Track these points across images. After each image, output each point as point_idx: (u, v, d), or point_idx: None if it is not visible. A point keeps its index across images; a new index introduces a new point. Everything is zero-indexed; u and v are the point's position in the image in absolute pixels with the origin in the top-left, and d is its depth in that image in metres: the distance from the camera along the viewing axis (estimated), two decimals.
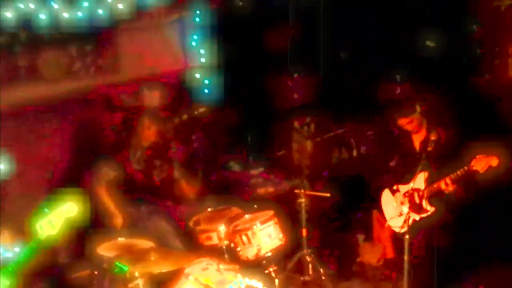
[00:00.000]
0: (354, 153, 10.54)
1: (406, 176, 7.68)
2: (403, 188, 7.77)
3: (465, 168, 7.22)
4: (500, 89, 9.94)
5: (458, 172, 7.28)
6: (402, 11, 10.14)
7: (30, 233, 5.96)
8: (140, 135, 8.11)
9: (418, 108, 7.82)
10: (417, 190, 7.68)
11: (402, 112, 7.86)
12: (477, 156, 7.15)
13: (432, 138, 7.42)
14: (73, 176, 8.91)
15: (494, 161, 7.07)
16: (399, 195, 7.85)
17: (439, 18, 10.00)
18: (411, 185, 7.60)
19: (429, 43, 10.14)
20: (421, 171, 7.43)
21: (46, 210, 5.96)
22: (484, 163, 7.09)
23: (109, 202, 7.94)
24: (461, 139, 7.64)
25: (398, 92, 10.43)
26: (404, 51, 10.17)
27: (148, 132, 8.10)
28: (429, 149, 7.37)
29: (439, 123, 7.84)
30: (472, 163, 7.15)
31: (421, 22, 10.06)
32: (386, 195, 8.15)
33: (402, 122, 7.86)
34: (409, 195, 7.68)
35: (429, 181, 7.59)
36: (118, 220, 7.90)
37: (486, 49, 10.14)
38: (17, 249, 7.42)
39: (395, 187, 7.86)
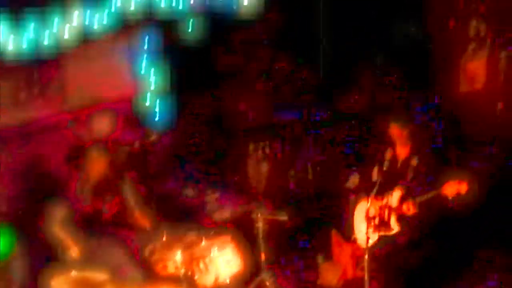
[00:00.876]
0: (310, 174, 10.54)
1: (381, 191, 7.65)
2: (377, 203, 7.74)
3: (435, 192, 7.25)
4: (454, 104, 10.02)
5: (427, 196, 7.29)
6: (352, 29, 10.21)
7: None
8: (88, 169, 7.92)
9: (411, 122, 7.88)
10: (389, 207, 7.67)
11: (398, 120, 7.85)
12: (449, 181, 7.19)
13: (412, 163, 7.66)
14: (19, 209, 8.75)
15: (463, 188, 7.13)
16: (371, 210, 7.81)
17: (390, 34, 10.08)
18: (383, 201, 7.67)
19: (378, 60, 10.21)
20: (395, 189, 7.58)
21: None
22: (454, 188, 7.14)
23: (63, 237, 7.70)
24: (436, 163, 7.69)
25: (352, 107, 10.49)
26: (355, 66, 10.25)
27: (97, 165, 7.91)
28: (409, 172, 7.59)
29: (421, 146, 7.87)
30: (443, 187, 7.17)
31: (371, 37, 10.13)
32: (359, 208, 8.10)
33: (394, 130, 7.84)
34: (380, 211, 7.69)
35: (402, 200, 7.59)
36: (74, 251, 7.69)
37: (439, 67, 10.21)
38: None
39: (370, 201, 7.80)
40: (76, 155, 8.39)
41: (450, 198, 7.18)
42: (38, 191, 8.72)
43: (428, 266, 7.80)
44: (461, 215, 7.97)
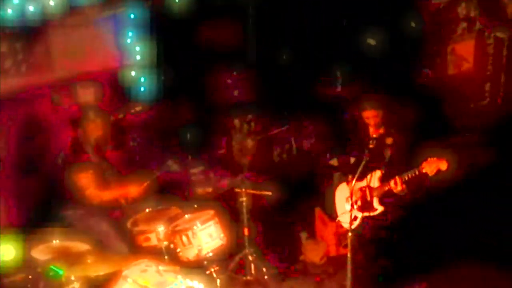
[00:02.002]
0: (294, 150, 10.53)
1: (362, 172, 7.64)
2: (358, 184, 7.73)
3: (416, 170, 7.25)
4: (441, 86, 10.03)
5: (408, 174, 7.31)
6: (344, 8, 10.14)
7: None
8: (86, 130, 7.89)
9: (384, 105, 7.83)
10: (370, 187, 7.68)
11: (370, 104, 7.83)
12: (428, 159, 7.19)
13: (388, 142, 7.64)
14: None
15: (443, 165, 7.14)
16: (353, 191, 7.80)
17: (380, 16, 10.03)
18: (364, 182, 7.68)
19: (370, 41, 10.17)
20: (375, 169, 7.61)
21: None
22: (434, 166, 7.16)
23: (116, 191, 7.77)
24: (413, 142, 7.68)
25: (338, 90, 10.50)
26: (346, 49, 10.20)
27: (93, 126, 7.87)
28: (386, 152, 7.61)
29: (394, 126, 7.86)
30: (423, 166, 7.19)
31: (362, 20, 10.08)
32: (341, 189, 8.11)
33: (368, 114, 7.85)
34: (362, 192, 7.70)
35: (383, 180, 7.59)
36: (134, 191, 7.79)
37: (426, 47, 10.21)
38: None
39: (352, 182, 7.78)
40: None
41: (430, 175, 7.20)
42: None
43: (410, 245, 7.83)
44: (442, 192, 8.03)
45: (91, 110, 7.94)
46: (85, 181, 7.62)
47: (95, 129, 7.83)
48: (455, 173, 7.33)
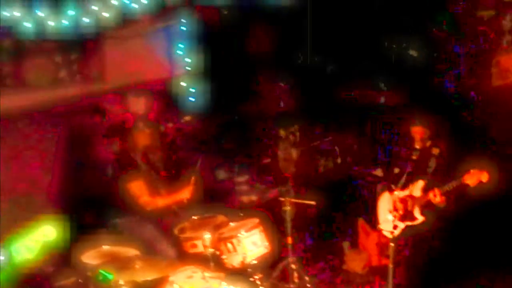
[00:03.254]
0: (339, 160, 10.58)
1: (405, 182, 7.75)
2: (401, 193, 7.84)
3: (457, 181, 7.32)
4: (485, 98, 10.04)
5: (449, 185, 7.39)
6: (385, 20, 10.21)
7: (6, 255, 5.94)
8: (135, 139, 8.14)
9: (430, 121, 7.96)
10: (413, 197, 7.76)
11: (421, 122, 7.99)
12: (470, 171, 7.28)
13: (434, 152, 7.85)
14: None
15: (485, 177, 7.23)
16: (396, 200, 7.90)
17: (423, 29, 10.08)
18: (407, 192, 7.81)
19: (412, 53, 10.21)
20: (418, 180, 7.76)
21: (22, 233, 5.90)
22: (475, 177, 7.26)
23: (169, 198, 8.06)
24: (457, 153, 7.77)
25: (383, 101, 10.53)
26: (389, 60, 10.26)
27: (142, 136, 8.11)
28: (429, 163, 7.76)
29: (440, 138, 7.97)
30: (464, 177, 7.27)
31: (403, 32, 10.13)
32: (384, 198, 8.20)
33: (416, 130, 7.98)
34: (404, 202, 7.77)
35: (426, 191, 7.67)
36: (186, 194, 8.06)
37: (470, 60, 10.23)
38: (1, 257, 7.43)
39: (395, 192, 7.88)
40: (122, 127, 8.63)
41: (472, 187, 7.26)
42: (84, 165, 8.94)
43: (450, 255, 7.90)
44: (483, 204, 8.06)
45: (141, 120, 8.18)
46: (137, 189, 7.87)
47: (143, 138, 8.08)
48: (496, 185, 7.41)
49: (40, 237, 5.95)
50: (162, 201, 8.01)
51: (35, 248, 5.89)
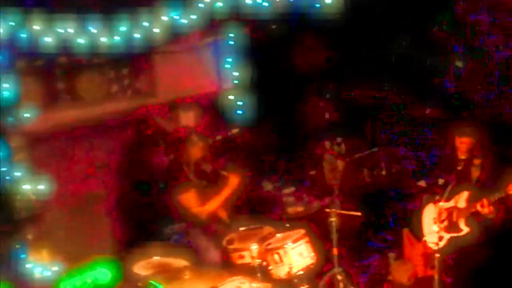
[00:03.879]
0: (384, 172, 10.61)
1: (450, 193, 7.79)
2: (446, 205, 7.88)
3: (501, 192, 7.35)
4: None
5: (496, 195, 7.41)
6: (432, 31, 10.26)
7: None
8: (188, 152, 8.34)
9: (478, 135, 8.01)
10: (457, 208, 7.80)
11: (465, 132, 8.03)
12: None
13: (476, 163, 7.80)
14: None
15: None
16: (440, 211, 7.95)
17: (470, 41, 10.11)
18: (452, 203, 7.83)
19: (458, 64, 10.23)
20: (463, 190, 7.74)
21: (76, 274, 6.03)
22: None
23: (213, 202, 8.24)
24: (501, 163, 7.78)
25: (428, 112, 10.56)
26: (435, 73, 10.30)
27: (195, 149, 8.32)
28: (472, 173, 7.75)
29: (483, 149, 8.00)
30: (509, 187, 7.27)
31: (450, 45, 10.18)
32: (428, 209, 8.25)
33: (462, 140, 8.02)
34: (449, 213, 7.82)
35: (470, 201, 7.72)
36: (223, 213, 8.30)
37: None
38: (55, 268, 7.64)
39: (440, 203, 7.94)
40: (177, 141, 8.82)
41: None
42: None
43: (497, 267, 7.89)
44: None
45: (194, 135, 8.37)
46: (189, 200, 8.07)
47: (196, 152, 8.26)
48: None
49: (92, 279, 6.09)
50: (211, 206, 8.18)
51: None
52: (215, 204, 8.22)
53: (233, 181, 8.29)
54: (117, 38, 8.61)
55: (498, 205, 7.49)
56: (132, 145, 9.58)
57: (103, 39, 8.50)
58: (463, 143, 8.00)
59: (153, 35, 8.74)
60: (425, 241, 8.15)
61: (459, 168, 7.88)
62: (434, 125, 10.32)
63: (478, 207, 7.53)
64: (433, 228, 7.70)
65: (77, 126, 8.89)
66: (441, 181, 8.29)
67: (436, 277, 7.20)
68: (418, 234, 8.62)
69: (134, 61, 9.47)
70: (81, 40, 8.33)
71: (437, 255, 7.20)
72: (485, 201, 7.47)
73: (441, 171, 8.44)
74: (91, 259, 6.77)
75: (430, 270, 8.41)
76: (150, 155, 9.63)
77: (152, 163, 9.57)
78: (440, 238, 7.53)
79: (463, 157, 7.97)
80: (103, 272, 6.10)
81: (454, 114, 10.12)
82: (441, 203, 7.90)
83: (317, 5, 9.61)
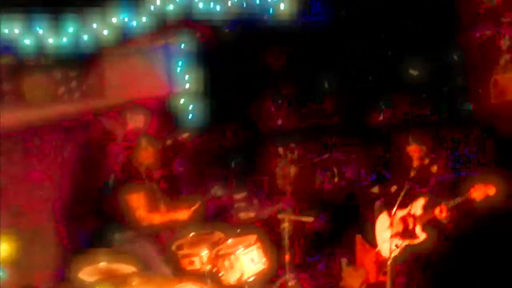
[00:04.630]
0: (336, 178, 10.59)
1: (404, 200, 7.75)
2: (400, 212, 7.84)
3: (463, 196, 7.34)
4: (484, 117, 10.06)
5: (455, 201, 7.40)
6: (388, 37, 10.26)
7: None
8: (138, 156, 8.17)
9: (426, 139, 7.99)
10: (413, 215, 7.76)
11: (416, 140, 8.00)
12: (476, 185, 7.27)
13: (432, 170, 7.84)
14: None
15: (491, 190, 7.21)
16: (395, 219, 7.90)
17: (422, 47, 10.12)
18: (407, 210, 7.81)
19: (412, 72, 10.25)
20: (418, 197, 7.76)
21: None
22: (482, 191, 7.23)
23: (166, 215, 8.03)
24: (460, 169, 7.77)
25: (381, 119, 10.57)
26: (389, 79, 10.30)
27: (145, 153, 8.15)
28: (429, 180, 7.81)
29: (438, 155, 7.99)
30: (471, 191, 7.27)
31: (404, 51, 10.18)
32: (382, 217, 8.20)
33: (413, 148, 7.99)
34: (404, 220, 7.77)
35: (426, 208, 7.68)
36: (184, 215, 8.03)
37: (469, 78, 10.26)
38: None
39: (394, 211, 7.89)
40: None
41: (478, 201, 7.27)
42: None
43: (453, 273, 7.88)
44: (490, 219, 8.04)
45: (144, 138, 8.21)
46: (136, 202, 7.88)
47: (146, 156, 8.11)
48: (503, 199, 7.40)
49: None
50: (158, 218, 8.01)
51: None
52: (163, 219, 8.04)
53: (195, 212, 8.16)
54: (64, 39, 8.48)
55: (455, 211, 7.46)
56: (81, 148, 9.38)
57: (50, 40, 8.37)
58: (413, 151, 7.99)
59: (102, 37, 8.64)
60: (379, 251, 8.11)
61: (413, 174, 7.83)
62: (387, 132, 10.29)
63: (437, 212, 7.51)
64: (387, 235, 7.63)
65: (22, 129, 8.65)
66: (394, 188, 8.26)
67: (388, 282, 7.10)
68: (371, 241, 8.59)
69: (82, 63, 9.26)
70: (27, 41, 8.18)
71: (390, 262, 7.11)
72: (443, 206, 7.45)
73: (394, 178, 8.40)
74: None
75: (382, 276, 8.40)
76: (100, 158, 9.43)
77: (102, 166, 9.38)
78: (395, 246, 7.45)
79: (416, 164, 7.95)
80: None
81: (407, 120, 10.12)
82: (395, 211, 7.84)
83: (270, 11, 9.63)
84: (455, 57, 10.14)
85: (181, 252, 7.83)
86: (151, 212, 7.96)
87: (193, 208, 8.10)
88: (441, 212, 7.49)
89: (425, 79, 10.16)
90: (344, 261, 9.37)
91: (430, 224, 7.73)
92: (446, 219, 7.54)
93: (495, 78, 10.12)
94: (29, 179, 8.95)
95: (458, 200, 7.40)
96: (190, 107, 10.24)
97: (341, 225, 9.77)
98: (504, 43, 10.06)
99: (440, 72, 10.17)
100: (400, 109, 10.41)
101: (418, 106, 10.26)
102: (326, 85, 10.82)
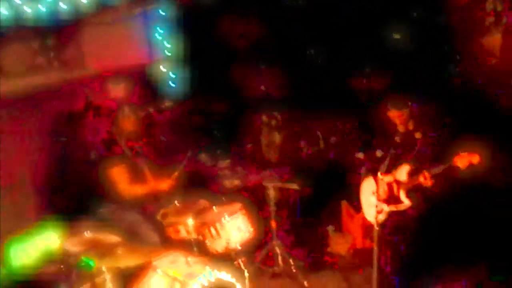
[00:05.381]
0: (322, 145, 10.56)
1: (389, 166, 7.72)
2: (386, 178, 7.80)
3: (447, 164, 7.31)
4: (469, 81, 10.04)
5: (440, 167, 7.37)
6: (370, 4, 10.19)
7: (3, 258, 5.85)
8: (119, 125, 8.05)
9: (409, 104, 7.91)
10: (398, 181, 7.73)
11: (395, 105, 7.94)
12: (460, 153, 7.24)
13: (417, 136, 7.77)
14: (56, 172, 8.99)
15: (475, 158, 7.19)
16: (380, 184, 7.85)
17: (407, 11, 10.06)
18: (392, 176, 7.78)
19: (396, 35, 10.20)
20: (403, 163, 7.69)
21: (24, 237, 5.80)
22: (466, 160, 7.20)
23: (148, 186, 7.93)
24: (443, 136, 7.74)
25: (366, 84, 10.54)
26: (373, 43, 10.25)
27: (126, 121, 8.03)
28: (413, 146, 7.74)
29: (423, 121, 7.93)
30: (455, 159, 7.24)
31: (388, 16, 10.12)
32: (367, 183, 8.16)
33: (393, 114, 7.95)
34: (389, 186, 7.76)
35: (412, 174, 7.65)
36: (165, 185, 7.95)
37: (456, 42, 10.22)
38: None
39: (379, 176, 7.84)
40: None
41: (462, 169, 7.24)
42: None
43: (437, 239, 7.87)
44: (474, 186, 8.03)
45: (126, 107, 8.09)
46: (118, 175, 7.80)
47: (128, 125, 8.00)
48: (487, 167, 7.38)
49: (42, 244, 5.82)
50: (140, 190, 7.93)
51: (35, 255, 5.77)
52: (145, 190, 7.95)
53: (176, 181, 8.10)
54: (42, 8, 8.36)
55: (440, 177, 7.43)
56: (62, 118, 9.26)
57: (28, 9, 8.23)
58: (395, 117, 7.94)
59: (80, 5, 8.55)
60: (364, 215, 8.10)
61: (398, 140, 7.79)
62: (372, 96, 10.25)
63: (421, 179, 7.47)
64: (373, 201, 7.60)
65: (1, 100, 8.50)
66: (379, 153, 8.23)
67: (375, 248, 7.08)
68: (356, 206, 8.57)
69: (61, 33, 9.13)
70: (3, 10, 8.02)
71: (376, 227, 7.08)
72: (426, 173, 7.43)
73: (379, 143, 8.36)
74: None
75: (369, 242, 8.41)
76: (81, 129, 9.32)
77: (85, 136, 9.28)
78: (380, 211, 7.43)
79: (401, 129, 7.90)
80: (53, 237, 5.82)
81: (391, 85, 10.07)
82: (380, 176, 7.79)
83: None
84: (439, 21, 10.07)
85: (166, 221, 7.75)
86: (133, 184, 7.87)
87: (173, 178, 8.03)
88: (425, 179, 7.46)
89: (409, 43, 10.08)
90: (330, 227, 9.39)
91: (414, 190, 7.68)
92: (430, 186, 7.49)
93: (480, 42, 10.08)
94: (7, 152, 8.81)
95: (442, 167, 7.37)
96: (171, 74, 10.13)
97: (326, 192, 9.74)
98: (488, 6, 10.01)
99: (424, 36, 10.10)
100: (383, 74, 10.35)
101: (401, 70, 10.19)
102: (310, 51, 10.72)
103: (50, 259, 6.60)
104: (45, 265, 6.97)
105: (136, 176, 7.94)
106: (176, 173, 8.07)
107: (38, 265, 6.22)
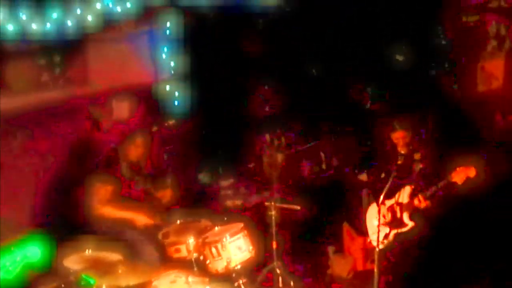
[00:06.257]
0: (324, 165, 10.58)
1: (392, 189, 7.71)
2: (389, 202, 7.80)
3: (445, 180, 7.31)
4: (470, 103, 10.07)
5: (433, 188, 7.39)
6: (372, 25, 10.22)
7: None
8: (126, 150, 8.05)
9: (412, 127, 7.94)
10: (400, 204, 7.73)
11: (399, 125, 7.93)
12: (457, 169, 7.25)
13: (416, 157, 7.80)
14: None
15: (472, 172, 7.20)
16: (384, 209, 7.86)
17: (409, 33, 10.10)
18: (394, 199, 7.76)
19: (398, 57, 10.23)
20: (405, 185, 7.69)
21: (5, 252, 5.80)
22: (463, 174, 7.21)
23: (123, 213, 7.85)
24: (442, 155, 7.76)
25: (368, 106, 10.57)
26: (374, 64, 10.28)
27: (136, 151, 8.04)
28: (413, 167, 7.76)
29: (422, 142, 7.97)
30: (452, 175, 7.26)
31: (390, 36, 10.15)
32: (372, 208, 8.15)
33: (397, 135, 7.94)
34: (392, 210, 7.75)
35: (412, 196, 7.67)
36: (142, 220, 7.86)
37: (456, 64, 10.26)
38: None
39: (381, 201, 7.83)
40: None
41: (460, 184, 7.25)
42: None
43: (441, 260, 7.86)
44: (473, 202, 8.04)
45: (139, 135, 8.04)
46: (100, 192, 7.78)
47: (135, 149, 7.99)
48: (484, 180, 7.39)
49: (22, 258, 5.82)
50: (107, 211, 7.82)
51: (14, 269, 5.76)
52: (115, 213, 7.86)
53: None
54: (48, 25, 8.39)
55: (438, 196, 7.43)
56: (65, 136, 9.29)
57: (34, 26, 8.28)
58: (398, 138, 7.94)
59: (86, 22, 8.56)
60: (371, 241, 8.08)
61: (400, 162, 7.78)
62: (375, 118, 10.26)
63: (416, 203, 7.48)
64: (376, 225, 7.57)
65: (5, 116, 8.53)
66: (382, 175, 8.22)
67: (376, 270, 7.07)
68: (358, 228, 8.57)
69: (66, 50, 9.17)
70: (10, 27, 8.08)
71: (377, 249, 7.07)
72: (420, 197, 7.46)
73: (382, 165, 8.36)
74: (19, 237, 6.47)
75: (370, 264, 8.40)
76: (86, 146, 9.34)
77: (88, 154, 9.28)
78: (386, 236, 7.44)
79: (403, 151, 7.89)
80: (34, 250, 5.82)
81: (393, 108, 10.10)
82: (383, 200, 7.79)
83: None
84: (442, 43, 10.11)
85: (167, 240, 7.77)
86: (107, 205, 7.82)
87: (167, 184, 8.11)
88: (420, 202, 7.48)
89: (412, 65, 10.11)
90: (331, 249, 9.38)
91: (416, 212, 7.67)
92: (426, 208, 7.51)
93: (482, 65, 10.12)
94: (11, 168, 8.83)
95: (440, 185, 7.37)
96: (176, 93, 10.15)
97: (328, 213, 9.76)
98: (491, 29, 10.06)
99: (427, 58, 10.14)
100: (386, 94, 10.39)
101: (404, 92, 10.21)
102: (313, 72, 10.76)
103: (31, 273, 6.56)
104: (45, 282, 6.94)
105: (117, 200, 7.91)
106: (168, 180, 8.06)
107: (17, 280, 6.19)
